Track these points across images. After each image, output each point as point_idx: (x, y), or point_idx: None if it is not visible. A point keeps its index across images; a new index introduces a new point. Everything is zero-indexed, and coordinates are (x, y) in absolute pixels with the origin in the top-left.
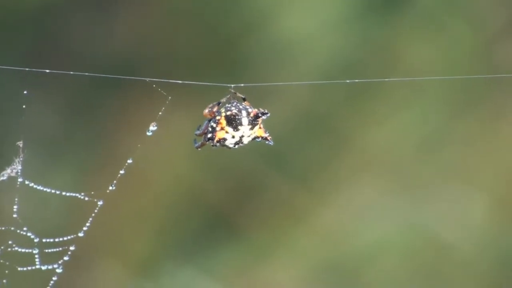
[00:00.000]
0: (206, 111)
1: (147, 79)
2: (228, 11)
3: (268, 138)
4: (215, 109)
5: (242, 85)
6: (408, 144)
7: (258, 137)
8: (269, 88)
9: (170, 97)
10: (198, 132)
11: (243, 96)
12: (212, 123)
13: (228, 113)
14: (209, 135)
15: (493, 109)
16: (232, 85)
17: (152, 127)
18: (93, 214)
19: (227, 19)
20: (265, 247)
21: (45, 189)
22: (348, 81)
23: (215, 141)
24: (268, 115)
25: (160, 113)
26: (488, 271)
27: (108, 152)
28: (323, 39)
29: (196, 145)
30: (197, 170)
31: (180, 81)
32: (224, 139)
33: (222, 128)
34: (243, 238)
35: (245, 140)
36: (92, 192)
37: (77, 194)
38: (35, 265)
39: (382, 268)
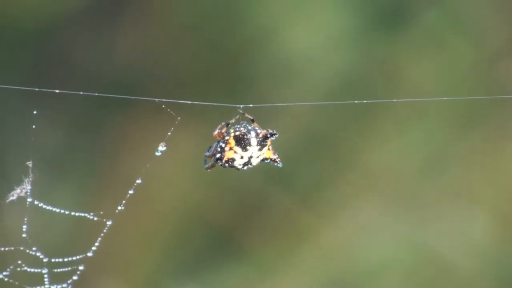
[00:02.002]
0: (215, 132)
1: (156, 100)
2: (234, 29)
3: (277, 160)
4: (224, 130)
5: (251, 105)
6: (411, 163)
7: (266, 159)
8: (272, 107)
9: (179, 118)
10: (208, 153)
11: (251, 117)
12: (221, 143)
13: (237, 133)
14: (218, 155)
15: (496, 128)
16: (241, 106)
17: (161, 147)
18: (102, 234)
19: (232, 37)
20: (269, 265)
21: (54, 209)
22: (357, 101)
23: (223, 161)
24: (277, 135)
25: (169, 133)
26: None
27: (117, 172)
28: (326, 57)
29: (206, 166)
30: (203, 189)
31: (189, 102)
32: (233, 159)
33: (231, 148)
34: (247, 256)
35: (254, 161)
36: (101, 212)
37: (86, 214)
38: (44, 284)
39: (385, 285)
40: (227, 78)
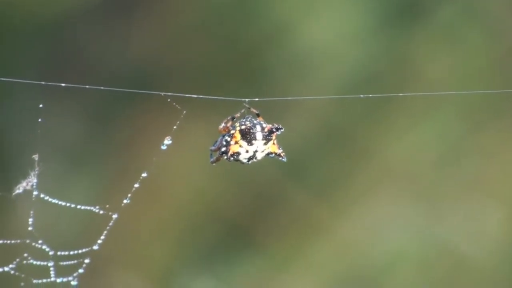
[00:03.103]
0: (221, 126)
1: (162, 93)
2: (246, 23)
3: (282, 154)
4: (229, 124)
5: (257, 99)
6: (427, 156)
7: (271, 153)
8: (288, 101)
9: (185, 111)
10: (213, 147)
11: (257, 112)
12: (227, 137)
13: (243, 127)
14: (223, 149)
15: None
16: (247, 100)
17: (167, 141)
18: (107, 227)
19: (245, 31)
20: (283, 259)
21: (60, 203)
22: (362, 96)
23: (229, 154)
24: (282, 130)
25: (175, 127)
26: (505, 282)
27: (123, 166)
28: (342, 51)
29: (212, 159)
30: (214, 183)
31: (195, 96)
32: (238, 153)
33: (236, 142)
34: (261, 249)
35: (259, 156)
36: (107, 206)
37: (92, 208)
38: (50, 277)
39: (400, 279)
40: (241, 73)
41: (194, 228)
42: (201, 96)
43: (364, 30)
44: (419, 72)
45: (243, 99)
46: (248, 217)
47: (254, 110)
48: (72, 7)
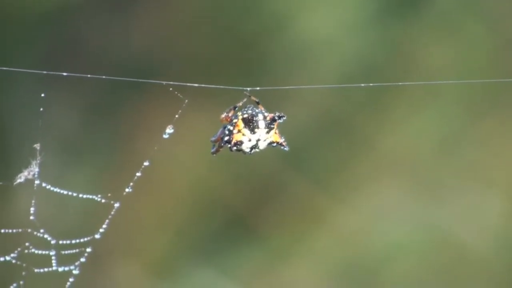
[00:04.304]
0: (223, 116)
1: (164, 83)
2: (247, 13)
3: (284, 143)
4: (231, 114)
5: (258, 88)
6: (427, 145)
7: (273, 142)
8: (288, 90)
9: (186, 100)
10: (213, 138)
11: (257, 100)
12: (229, 126)
13: (246, 115)
14: (226, 138)
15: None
16: (248, 89)
17: (169, 130)
18: (109, 216)
19: (246, 21)
20: (283, 248)
21: (61, 191)
22: (363, 85)
23: (232, 143)
24: (285, 118)
25: (176, 116)
26: (505, 272)
27: (126, 154)
28: (342, 41)
29: (213, 150)
30: (215, 172)
31: (196, 85)
32: (241, 142)
33: (239, 131)
34: (261, 239)
35: (261, 145)
36: (109, 194)
37: (93, 196)
38: (51, 266)
39: (400, 268)
40: (242, 63)
41: (195, 218)
42: (202, 85)
43: (363, 20)
44: (418, 62)
45: (244, 88)
46: (249, 206)
47: (254, 99)
48: None
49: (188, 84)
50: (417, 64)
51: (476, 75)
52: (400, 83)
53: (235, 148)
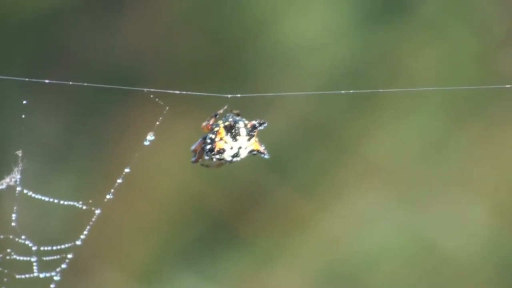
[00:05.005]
0: (204, 124)
1: (145, 89)
2: (231, 18)
3: (264, 151)
4: (211, 121)
5: (239, 95)
6: (410, 151)
7: (254, 150)
8: (271, 96)
9: (167, 107)
10: (193, 147)
11: (237, 112)
12: (211, 135)
13: (227, 123)
14: (209, 147)
15: (496, 116)
16: (229, 96)
17: (150, 137)
18: (90, 223)
19: (230, 26)
20: (267, 254)
21: (43, 198)
22: (343, 92)
23: (215, 151)
24: (266, 124)
25: (157, 123)
26: (489, 278)
27: (108, 161)
28: (327, 46)
29: (193, 159)
30: (199, 179)
31: (177, 92)
32: (223, 150)
33: (221, 139)
34: (245, 245)
35: (242, 153)
36: (90, 201)
37: (74, 203)
38: (33, 272)
39: (384, 273)
40: (227, 68)
41: (179, 224)
42: (183, 92)
43: (348, 25)
44: (403, 67)
45: (225, 95)
46: (232, 212)
47: (236, 111)
48: (58, 3)
49: (169, 91)
50: (402, 69)
51: (459, 81)
52: (380, 90)
53: (217, 156)
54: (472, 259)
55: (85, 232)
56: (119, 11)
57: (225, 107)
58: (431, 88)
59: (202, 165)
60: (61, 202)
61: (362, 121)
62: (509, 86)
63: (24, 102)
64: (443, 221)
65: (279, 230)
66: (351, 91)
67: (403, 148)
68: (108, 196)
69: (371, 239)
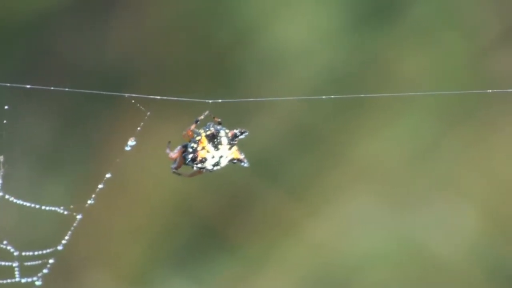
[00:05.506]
0: (184, 132)
1: (126, 95)
2: (220, 22)
3: (244, 159)
4: (192, 127)
5: (220, 100)
6: (399, 155)
7: (234, 159)
8: (258, 100)
9: (149, 113)
10: (173, 155)
11: (219, 120)
12: (193, 144)
13: (208, 132)
14: (191, 156)
15: (486, 121)
16: (210, 101)
17: (131, 142)
18: (72, 228)
19: (218, 31)
20: (256, 258)
21: (24, 203)
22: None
23: (198, 160)
24: (247, 133)
25: (138, 128)
26: (478, 283)
27: (89, 167)
28: (315, 50)
29: (173, 166)
30: (187, 183)
31: (158, 97)
32: (205, 159)
33: (203, 148)
34: (234, 249)
35: (223, 162)
36: (71, 206)
37: (56, 208)
38: (14, 278)
39: (373, 277)
40: (214, 74)
41: (168, 228)
42: (164, 98)
43: (337, 29)
44: (393, 71)
45: (206, 101)
46: (221, 216)
47: (217, 119)
48: (45, 7)
49: (150, 96)
50: (392, 74)
51: (449, 86)
52: (362, 95)
53: (199, 165)
54: (461, 264)
55: (66, 237)
56: (108, 16)
57: (206, 113)
58: (418, 93)
59: (174, 172)
60: (43, 207)
61: (352, 125)
62: (490, 91)
63: (6, 107)
64: (432, 225)
65: (269, 234)
66: (332, 96)
67: (392, 152)
68: (89, 202)
69: (360, 243)
